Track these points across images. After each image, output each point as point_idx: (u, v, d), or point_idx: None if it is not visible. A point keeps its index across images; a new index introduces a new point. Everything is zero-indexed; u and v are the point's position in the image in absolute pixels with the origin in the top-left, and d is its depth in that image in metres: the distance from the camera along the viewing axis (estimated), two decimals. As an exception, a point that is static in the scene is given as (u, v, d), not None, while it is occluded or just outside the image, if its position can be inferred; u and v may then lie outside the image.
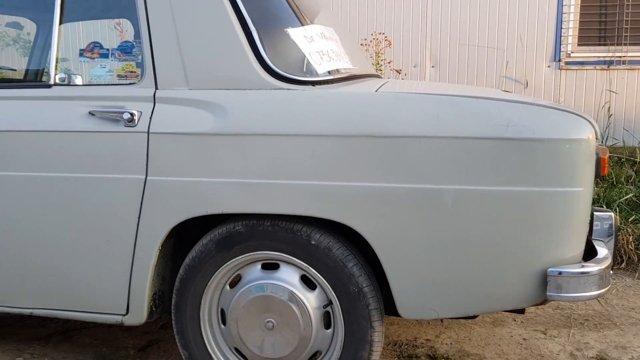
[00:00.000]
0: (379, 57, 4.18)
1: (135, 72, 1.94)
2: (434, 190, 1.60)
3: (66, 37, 2.02)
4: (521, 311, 1.87)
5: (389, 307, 1.78)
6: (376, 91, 1.74)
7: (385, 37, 4.40)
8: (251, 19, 1.81)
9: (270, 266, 1.81)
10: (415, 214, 1.61)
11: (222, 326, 1.87)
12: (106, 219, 1.83)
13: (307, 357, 1.80)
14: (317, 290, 1.77)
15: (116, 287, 1.85)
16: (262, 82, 1.77)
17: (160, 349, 2.35)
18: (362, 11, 4.81)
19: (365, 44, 4.46)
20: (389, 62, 4.41)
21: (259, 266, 1.82)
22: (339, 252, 1.71)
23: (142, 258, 1.82)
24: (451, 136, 1.58)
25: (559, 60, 4.78)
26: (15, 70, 3.24)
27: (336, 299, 1.73)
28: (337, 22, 2.46)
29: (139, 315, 1.87)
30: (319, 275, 1.73)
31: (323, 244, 1.71)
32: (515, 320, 2.61)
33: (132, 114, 1.80)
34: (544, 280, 1.62)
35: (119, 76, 1.95)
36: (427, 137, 1.59)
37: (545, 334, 2.46)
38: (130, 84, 1.91)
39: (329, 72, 1.90)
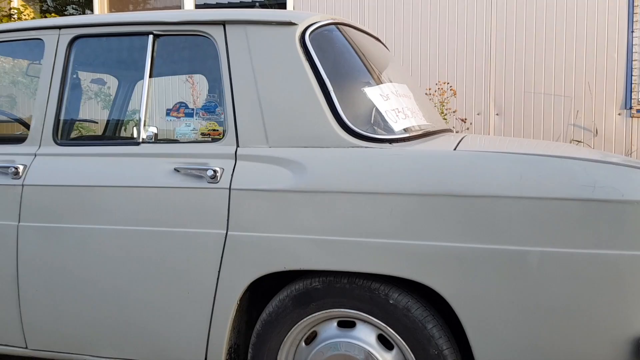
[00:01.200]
0: (443, 106, 4.19)
1: (218, 130, 2.03)
2: (518, 252, 1.57)
3: (152, 96, 2.14)
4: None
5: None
6: (455, 149, 1.74)
7: (450, 86, 4.41)
8: (329, 79, 1.87)
9: (347, 324, 1.81)
10: (498, 276, 1.58)
11: (297, 383, 1.87)
12: (187, 272, 1.88)
13: (385, 419, 1.76)
14: (395, 350, 1.75)
15: (195, 339, 1.89)
16: (339, 140, 1.81)
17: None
18: (424, 60, 4.86)
19: (430, 93, 4.48)
20: (453, 112, 4.41)
21: (335, 323, 1.82)
22: (418, 312, 1.69)
23: (221, 311, 1.86)
24: (535, 197, 1.56)
25: (630, 108, 4.64)
26: (96, 122, 3.45)
27: (415, 360, 1.70)
28: (409, 76, 2.50)
29: (215, 368, 1.89)
30: (397, 336, 1.71)
31: (401, 303, 1.69)
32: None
33: (215, 171, 1.87)
34: (635, 348, 1.54)
35: (203, 134, 2.04)
36: (510, 198, 1.58)
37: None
38: (213, 141, 2.00)
39: (404, 129, 1.92)
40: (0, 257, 2.06)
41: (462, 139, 2.05)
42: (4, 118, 3.01)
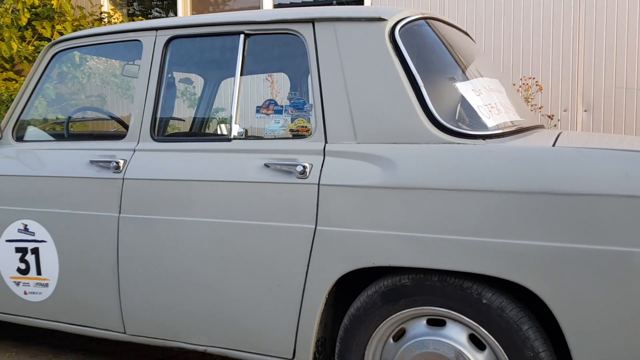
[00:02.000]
0: (528, 102, 4.04)
1: (306, 127, 2.06)
2: (623, 253, 1.49)
3: (243, 94, 2.20)
4: None
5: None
6: (553, 145, 1.68)
7: (536, 81, 4.25)
8: (419, 74, 1.85)
9: (436, 322, 1.78)
10: (601, 278, 1.51)
11: (385, 379, 1.86)
12: (277, 265, 1.92)
13: (473, 420, 1.72)
14: (487, 351, 1.71)
15: (284, 332, 1.93)
16: (430, 136, 1.79)
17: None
18: (507, 55, 4.71)
19: (515, 89, 4.33)
20: (539, 108, 4.24)
21: (424, 321, 1.80)
22: (513, 313, 1.64)
23: (309, 305, 1.88)
24: (644, 196, 1.47)
25: None
26: (183, 120, 3.58)
27: (509, 362, 1.65)
28: (499, 71, 2.44)
29: (304, 360, 1.92)
30: (490, 336, 1.67)
31: (495, 303, 1.65)
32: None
33: (304, 167, 1.90)
34: None
35: (292, 131, 2.07)
36: (615, 196, 1.50)
37: None
38: (302, 138, 2.03)
39: (497, 125, 1.87)
40: (102, 246, 2.19)
41: (558, 135, 1.97)
42: (98, 116, 3.20)
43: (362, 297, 1.85)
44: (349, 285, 1.97)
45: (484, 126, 1.82)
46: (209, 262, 2.02)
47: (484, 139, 1.77)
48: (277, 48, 2.32)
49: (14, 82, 5.55)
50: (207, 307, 2.04)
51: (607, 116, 4.59)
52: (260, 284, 1.95)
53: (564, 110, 4.66)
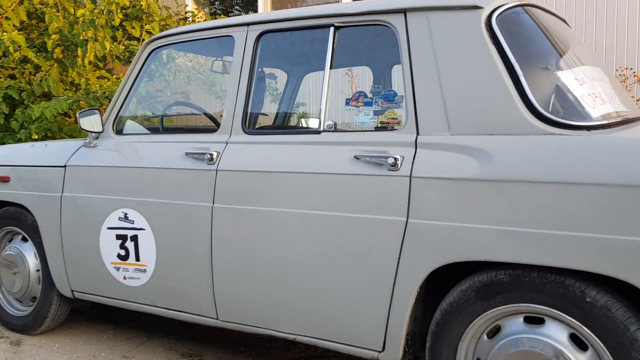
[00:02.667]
0: (624, 93, 3.82)
1: (397, 119, 2.04)
2: None
3: (332, 87, 2.21)
4: None
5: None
6: (667, 137, 1.57)
7: (633, 72, 4.00)
8: (517, 62, 1.79)
9: (534, 319, 1.72)
10: None
11: (478, 376, 1.82)
12: (367, 257, 1.92)
13: (575, 423, 1.65)
14: (590, 352, 1.63)
15: (374, 324, 1.93)
16: (530, 127, 1.73)
17: (400, 388, 2.38)
18: (601, 43, 4.46)
19: (617, 79, 4.09)
20: (637, 100, 4.00)
21: (522, 319, 1.74)
22: (619, 312, 1.55)
23: (400, 298, 1.87)
24: None
25: None
26: (266, 115, 3.65)
27: (615, 364, 1.57)
28: (600, 59, 2.31)
29: (394, 353, 1.91)
30: (594, 336, 1.59)
31: (600, 302, 1.57)
32: None
33: (395, 159, 1.89)
34: None
35: (382, 123, 2.06)
36: None
37: None
38: (392, 130, 2.01)
39: (602, 116, 1.78)
40: (196, 235, 2.27)
41: (670, 126, 1.85)
42: (191, 110, 3.32)
43: (455, 292, 1.82)
44: (439, 279, 1.94)
45: (588, 116, 1.74)
46: (298, 252, 2.05)
47: (588, 130, 1.68)
48: (367, 40, 2.31)
49: (106, 80, 5.88)
50: (297, 296, 2.07)
51: None
52: (349, 276, 1.96)
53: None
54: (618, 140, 1.62)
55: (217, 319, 2.29)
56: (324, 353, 2.74)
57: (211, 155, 2.28)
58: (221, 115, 2.37)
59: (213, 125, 2.80)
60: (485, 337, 1.80)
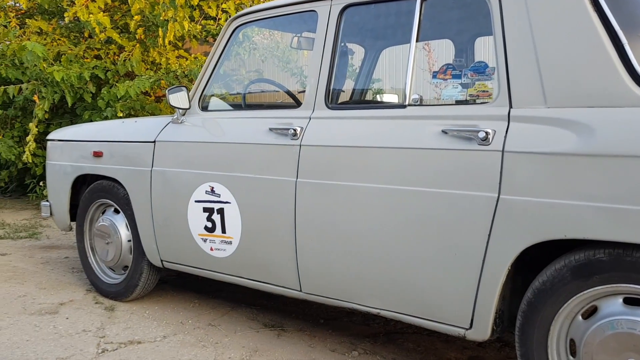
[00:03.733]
0: None
1: (487, 91, 1.98)
2: None
3: (418, 60, 2.16)
4: None
5: None
6: None
7: None
8: (621, 29, 1.68)
9: (634, 301, 1.64)
10: None
11: (572, 358, 1.76)
12: (455, 234, 1.89)
13: (679, 410, 1.57)
14: (699, 337, 1.54)
15: (461, 302, 1.90)
16: (635, 98, 1.62)
17: (483, 366, 2.35)
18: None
19: None
20: None
21: (621, 300, 1.66)
22: None
23: (490, 275, 1.83)
24: None
25: None
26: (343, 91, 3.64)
27: None
28: None
29: (482, 331, 1.88)
30: None
31: None
32: None
33: (487, 133, 1.83)
34: None
35: (471, 96, 2.00)
36: None
37: None
38: (482, 103, 1.95)
39: None
40: (281, 208, 2.32)
41: None
42: (272, 87, 3.36)
43: (549, 271, 1.76)
44: (529, 257, 1.88)
45: (703, 86, 1.61)
46: (383, 227, 2.05)
47: (703, 101, 1.57)
48: (454, 11, 2.25)
49: (184, 59, 6.05)
50: (382, 271, 2.07)
51: None
52: (436, 252, 1.94)
53: None
54: None
55: (301, 291, 2.34)
56: (403, 329, 2.75)
57: (295, 130, 2.30)
58: (301, 92, 2.38)
59: (293, 102, 2.83)
60: (580, 317, 1.74)
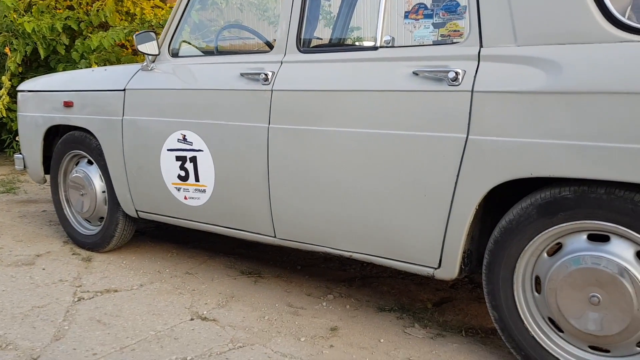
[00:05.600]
0: None
1: (459, 31, 1.95)
2: None
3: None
4: None
5: None
6: None
7: None
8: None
9: (598, 237, 1.67)
10: None
11: (536, 294, 1.80)
12: (425, 175, 1.89)
13: (637, 340, 1.62)
14: (658, 269, 1.57)
15: (431, 242, 1.92)
16: (604, 34, 1.61)
17: (455, 307, 2.40)
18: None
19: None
20: None
21: (585, 236, 1.69)
22: (694, 229, 1.48)
23: (458, 216, 1.85)
24: None
25: None
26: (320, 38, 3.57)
27: (685, 282, 1.51)
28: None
29: (450, 270, 1.91)
30: (664, 254, 1.53)
31: (673, 218, 1.50)
32: None
33: (456, 73, 1.81)
34: None
35: (442, 36, 1.97)
36: None
37: None
38: (454, 43, 1.92)
39: (688, 20, 1.63)
40: (253, 155, 2.30)
41: None
42: (245, 33, 3.28)
43: (516, 210, 1.77)
44: (498, 198, 1.89)
45: (671, 21, 1.60)
46: (355, 171, 2.04)
47: (670, 36, 1.55)
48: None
49: (160, 9, 5.88)
50: (354, 214, 2.08)
51: None
52: (407, 194, 1.94)
53: None
54: None
55: (275, 237, 2.35)
56: (379, 273, 2.79)
57: (266, 75, 2.26)
58: (274, 37, 2.32)
59: (265, 47, 2.77)
60: (545, 255, 1.77)
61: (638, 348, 1.64)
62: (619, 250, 1.62)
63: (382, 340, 2.10)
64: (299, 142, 2.16)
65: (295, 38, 2.25)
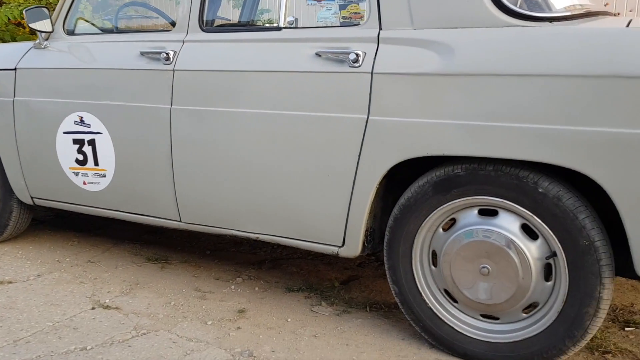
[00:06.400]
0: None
1: (359, 13, 1.98)
2: (696, 139, 1.41)
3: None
4: None
5: (616, 268, 1.65)
6: (627, 26, 1.56)
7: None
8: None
9: (488, 212, 1.77)
10: (669, 165, 1.44)
11: (433, 267, 1.89)
12: (328, 156, 1.92)
13: (522, 306, 1.75)
14: (540, 240, 1.69)
15: (334, 221, 1.96)
16: (493, 19, 1.69)
17: (361, 284, 2.47)
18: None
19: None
20: (605, 5, 3.96)
21: (476, 211, 1.79)
22: (570, 202, 1.60)
23: (360, 195, 1.89)
24: None
25: None
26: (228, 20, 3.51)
27: (562, 251, 1.64)
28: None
29: (353, 248, 1.96)
30: (544, 226, 1.65)
31: (552, 192, 1.62)
32: None
33: (357, 55, 1.84)
34: None
35: (344, 18, 2.00)
36: (694, 78, 1.40)
37: None
38: (354, 25, 1.95)
39: (565, 7, 1.75)
40: (155, 137, 2.23)
41: (631, 19, 1.83)
42: (146, 11, 3.16)
43: (414, 188, 1.84)
44: (402, 178, 1.96)
45: (551, 8, 1.71)
46: (260, 153, 2.04)
47: (550, 22, 1.66)
48: None
49: (58, -16, 5.52)
50: (259, 196, 2.08)
51: (678, 16, 4.26)
52: (311, 174, 1.96)
53: (630, 10, 4.34)
54: (579, 32, 1.61)
55: (181, 221, 2.30)
56: (289, 255, 2.81)
57: (167, 54, 2.19)
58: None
59: (168, 25, 2.68)
60: (441, 230, 1.85)
61: (524, 314, 1.76)
62: (506, 224, 1.73)
63: (289, 320, 2.12)
64: (203, 124, 2.12)
65: (198, 17, 2.19)
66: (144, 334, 2.00)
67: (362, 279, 2.53)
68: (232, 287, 2.42)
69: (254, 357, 1.85)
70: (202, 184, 2.17)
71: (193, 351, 1.89)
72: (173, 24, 2.26)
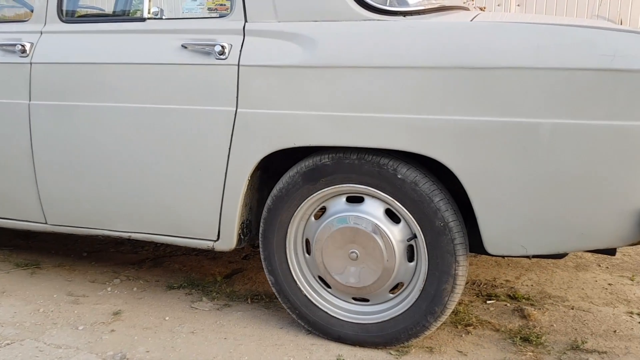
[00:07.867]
0: (461, -6, 4.00)
1: (225, 5, 1.96)
2: (530, 125, 1.55)
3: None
4: (612, 252, 1.81)
5: (474, 245, 1.78)
6: (471, 21, 1.67)
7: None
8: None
9: (355, 199, 1.84)
10: (508, 149, 1.57)
11: (307, 255, 1.93)
12: (198, 149, 1.90)
13: (389, 287, 1.83)
14: (402, 224, 1.78)
15: (208, 215, 1.94)
16: (351, 13, 1.75)
17: (244, 277, 2.47)
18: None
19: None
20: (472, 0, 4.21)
21: (344, 199, 1.85)
22: (426, 186, 1.70)
23: (232, 188, 1.89)
24: (552, 67, 1.51)
25: (660, -3, 4.39)
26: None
27: (421, 232, 1.73)
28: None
29: (228, 241, 1.95)
30: (404, 209, 1.74)
31: (409, 178, 1.71)
32: (599, 265, 2.53)
33: (223, 47, 1.83)
34: (640, 220, 1.55)
35: (210, 9, 1.97)
36: (525, 69, 1.53)
37: (632, 280, 2.38)
38: (220, 17, 1.93)
39: (419, 2, 1.84)
40: (14, 134, 2.09)
41: (479, 13, 1.97)
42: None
43: (285, 178, 1.87)
44: (276, 169, 1.98)
45: (405, 2, 1.79)
46: (127, 148, 1.97)
47: (404, 16, 1.74)
48: None
49: None
50: (129, 193, 2.01)
51: (539, 10, 4.63)
52: (181, 169, 1.93)
53: (498, 5, 4.65)
54: (429, 25, 1.70)
55: (46, 223, 2.17)
56: (172, 252, 2.75)
57: (23, 46, 2.06)
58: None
59: (24, 15, 2.51)
60: (313, 218, 1.90)
61: (391, 294, 1.86)
62: (371, 209, 1.80)
63: (167, 318, 2.08)
64: (64, 120, 2.01)
65: (57, 6, 2.07)
66: (8, 344, 1.88)
67: (245, 271, 2.53)
68: (109, 289, 2.33)
69: (127, 359, 1.80)
70: (66, 183, 2.06)
71: (61, 358, 1.80)
72: (29, 14, 2.12)
